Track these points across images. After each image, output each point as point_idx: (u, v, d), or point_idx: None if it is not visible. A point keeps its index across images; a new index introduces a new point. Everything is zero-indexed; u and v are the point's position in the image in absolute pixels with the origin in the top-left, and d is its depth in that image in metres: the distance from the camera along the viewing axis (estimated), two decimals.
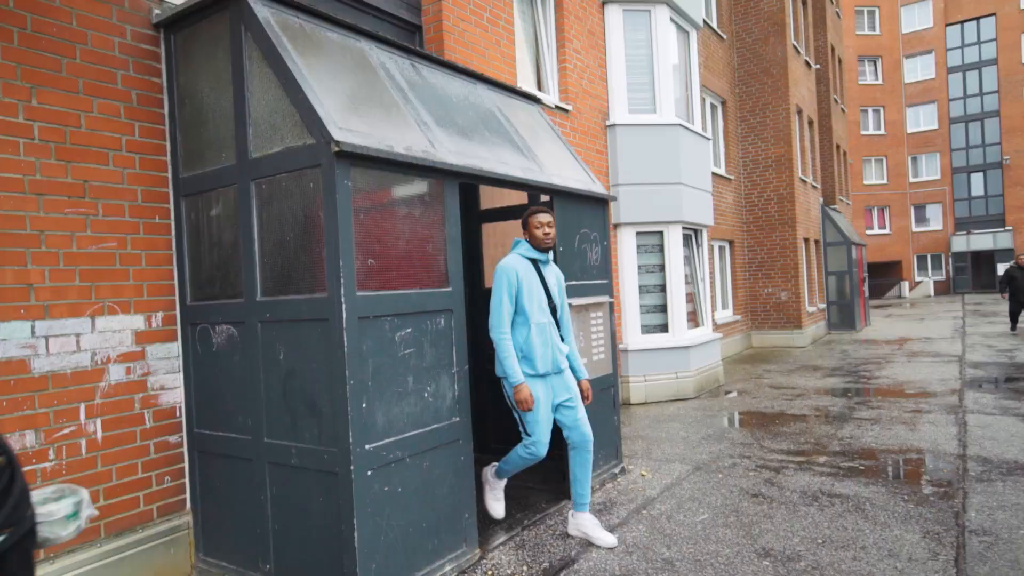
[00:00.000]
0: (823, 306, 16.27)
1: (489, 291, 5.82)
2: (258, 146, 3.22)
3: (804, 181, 14.74)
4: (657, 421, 7.04)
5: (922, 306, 26.53)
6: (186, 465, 3.61)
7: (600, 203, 5.05)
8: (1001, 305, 22.01)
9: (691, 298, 9.14)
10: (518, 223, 5.76)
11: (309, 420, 3.07)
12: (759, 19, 13.70)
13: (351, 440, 2.90)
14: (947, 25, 36.91)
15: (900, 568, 3.28)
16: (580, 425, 3.70)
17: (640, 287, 8.30)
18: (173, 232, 3.60)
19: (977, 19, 36.36)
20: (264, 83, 3.21)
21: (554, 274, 3.84)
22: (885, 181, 38.30)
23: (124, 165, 3.40)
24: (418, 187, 3.45)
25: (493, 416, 5.47)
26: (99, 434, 3.25)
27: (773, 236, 13.81)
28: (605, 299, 5.00)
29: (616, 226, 8.20)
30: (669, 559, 3.50)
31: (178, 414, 3.60)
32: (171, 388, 3.56)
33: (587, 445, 3.71)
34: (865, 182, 38.04)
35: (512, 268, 3.59)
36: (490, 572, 3.44)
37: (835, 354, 12.27)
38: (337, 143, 2.86)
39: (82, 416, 3.19)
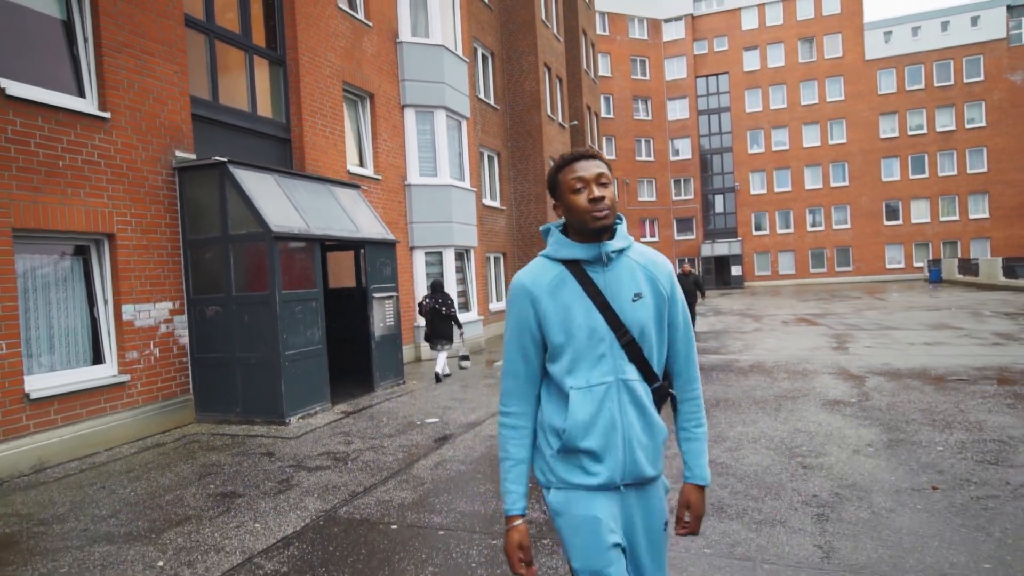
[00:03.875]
0: None
1: (332, 292, 10.40)
2: (233, 227, 7.50)
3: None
4: (430, 368, 11.95)
5: None
6: (190, 371, 7.75)
7: (391, 245, 9.76)
8: (713, 296, 30.57)
9: (464, 293, 14.22)
10: (345, 253, 10.38)
11: (261, 345, 7.43)
12: (523, 96, 19.28)
13: (280, 350, 7.33)
14: (696, 77, 46.66)
15: None
16: None
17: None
18: (183, 263, 7.71)
19: (717, 75, 46.46)
20: (235, 201, 7.49)
21: (640, 272, 1.75)
22: (655, 198, 47.38)
23: (164, 234, 7.48)
24: (303, 244, 7.92)
25: (336, 360, 10.01)
26: (158, 355, 7.33)
27: (534, 250, 19.46)
28: (394, 294, 9.73)
29: (412, 249, 12.98)
30: (434, 396, 8.33)
31: (187, 348, 7.72)
32: (184, 336, 7.69)
33: None
34: (640, 199, 46.83)
35: (521, 290, 1.76)
36: (335, 408, 8.03)
37: None
38: (273, 232, 7.27)
39: (151, 347, 7.26)
